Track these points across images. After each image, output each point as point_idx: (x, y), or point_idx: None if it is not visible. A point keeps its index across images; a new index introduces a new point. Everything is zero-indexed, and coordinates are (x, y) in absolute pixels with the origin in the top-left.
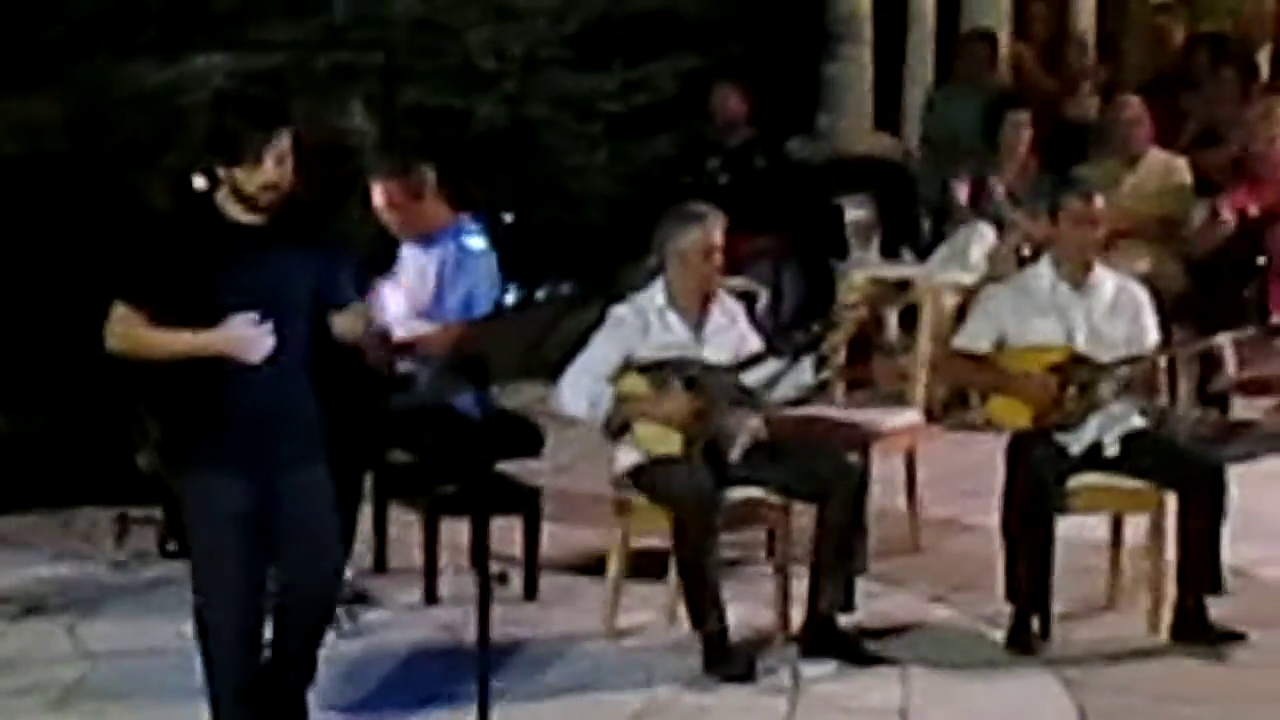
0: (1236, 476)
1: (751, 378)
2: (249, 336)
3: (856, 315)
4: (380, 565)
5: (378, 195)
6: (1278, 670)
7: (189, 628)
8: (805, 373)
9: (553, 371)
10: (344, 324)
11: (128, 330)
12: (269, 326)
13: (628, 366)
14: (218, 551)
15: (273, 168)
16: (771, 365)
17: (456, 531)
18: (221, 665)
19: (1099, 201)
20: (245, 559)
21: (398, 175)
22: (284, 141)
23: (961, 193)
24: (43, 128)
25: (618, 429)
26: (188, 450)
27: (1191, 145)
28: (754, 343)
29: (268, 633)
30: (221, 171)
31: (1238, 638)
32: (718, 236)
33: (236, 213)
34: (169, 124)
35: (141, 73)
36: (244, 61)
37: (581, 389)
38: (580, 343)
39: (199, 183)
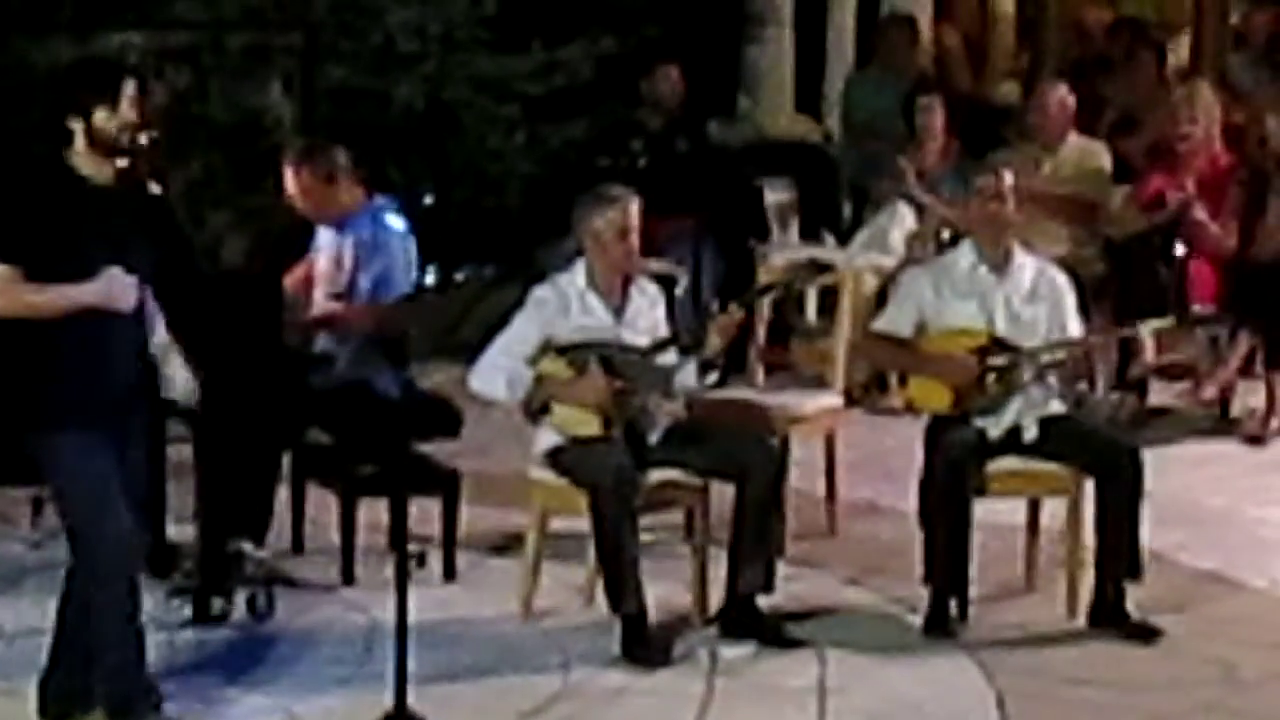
0: (1154, 461)
1: (666, 360)
2: (122, 288)
3: (730, 321)
4: (297, 546)
5: (289, 181)
6: (1191, 657)
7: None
8: (688, 373)
9: (471, 352)
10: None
11: (8, 291)
12: (132, 280)
13: (547, 348)
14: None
15: (130, 109)
16: (673, 355)
17: (374, 512)
18: (109, 600)
19: (1009, 178)
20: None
21: (308, 160)
22: (131, 88)
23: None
24: None
25: (537, 410)
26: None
27: (1111, 131)
28: (663, 328)
29: None
30: (74, 123)
31: (1153, 633)
32: (633, 217)
33: (90, 169)
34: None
35: (57, 50)
36: (158, 40)
37: (500, 370)
38: (499, 324)
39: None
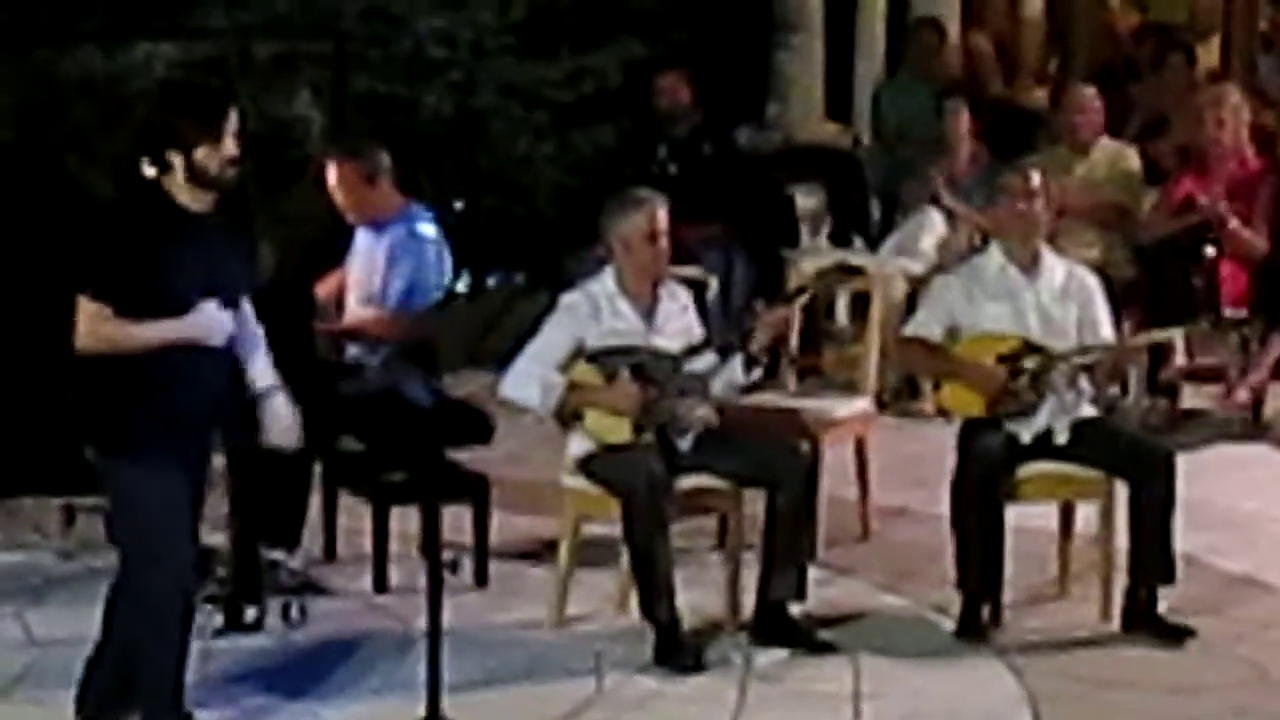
0: (1186, 465)
1: (696, 367)
2: (214, 322)
3: (784, 314)
4: (330, 554)
5: (331, 176)
6: (1224, 659)
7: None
8: (735, 370)
9: (502, 359)
10: (263, 374)
11: (99, 328)
12: (227, 313)
13: (578, 354)
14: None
15: (232, 144)
16: (712, 357)
17: (406, 519)
18: (156, 623)
19: (1036, 177)
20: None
21: (352, 157)
22: (234, 121)
23: (927, 179)
24: None
25: (569, 417)
26: (130, 427)
27: (1140, 134)
28: (699, 332)
29: None
30: (175, 156)
31: (1187, 633)
32: (662, 220)
33: (187, 199)
34: (114, 111)
35: (85, 61)
36: (187, 50)
37: (532, 377)
38: (530, 331)
39: (149, 171)
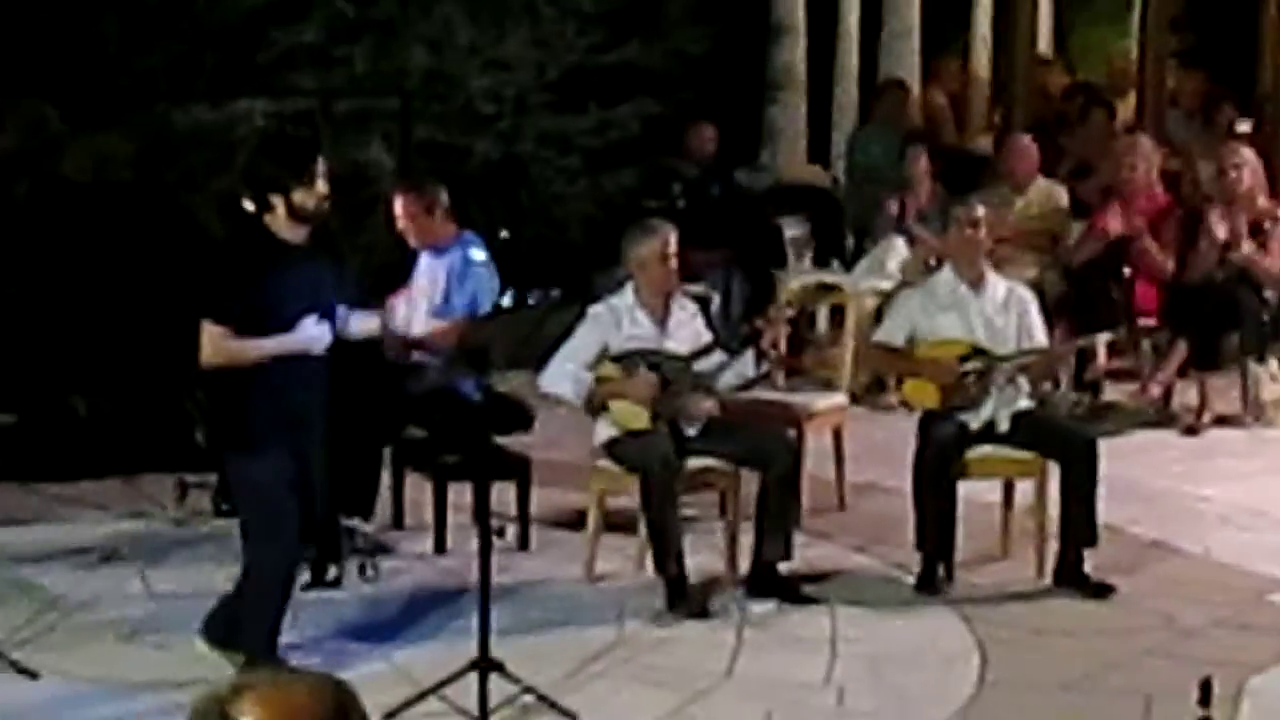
0: (1107, 449)
1: (704, 366)
2: (315, 334)
3: (782, 318)
4: (398, 522)
5: (398, 207)
6: (1138, 610)
7: (235, 574)
8: (748, 364)
9: (540, 361)
10: (360, 324)
11: (222, 346)
12: (324, 327)
13: (604, 355)
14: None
15: (324, 185)
16: (720, 356)
17: (461, 494)
18: (264, 586)
19: (981, 210)
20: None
21: (415, 190)
22: (322, 166)
23: (891, 211)
24: (112, 160)
25: (597, 408)
26: (245, 426)
27: (1069, 175)
28: (707, 336)
29: None
30: (276, 198)
31: (1108, 589)
32: (672, 245)
33: (287, 233)
34: (219, 157)
35: (196, 114)
36: (280, 105)
37: (566, 374)
38: (563, 337)
39: (249, 206)
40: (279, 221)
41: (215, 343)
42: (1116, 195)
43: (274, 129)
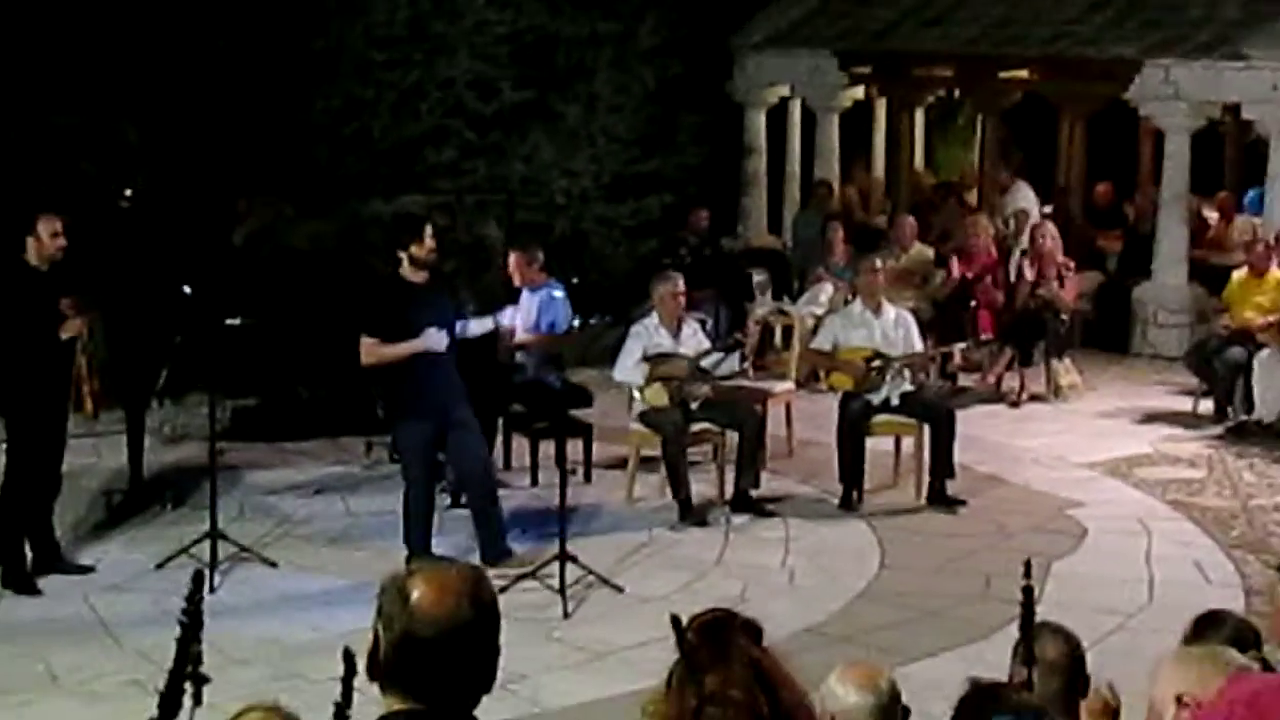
0: (961, 416)
1: (703, 364)
2: (436, 341)
3: (753, 333)
4: (506, 465)
5: (510, 260)
6: (979, 519)
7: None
8: (732, 363)
9: (601, 362)
10: (477, 326)
11: (374, 351)
12: (443, 335)
13: (644, 357)
14: (423, 456)
15: (431, 241)
16: (713, 357)
17: (547, 447)
18: (417, 508)
19: (879, 263)
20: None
21: (523, 250)
22: (429, 231)
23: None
24: (322, 236)
25: (641, 389)
26: (403, 406)
27: (935, 241)
28: (705, 345)
29: None
30: (403, 254)
31: (960, 503)
32: (680, 287)
33: (413, 277)
34: (391, 234)
35: (375, 206)
36: (429, 199)
37: (628, 369)
38: (616, 346)
39: (401, 257)
40: (408, 269)
41: (369, 349)
42: (965, 253)
43: (422, 213)
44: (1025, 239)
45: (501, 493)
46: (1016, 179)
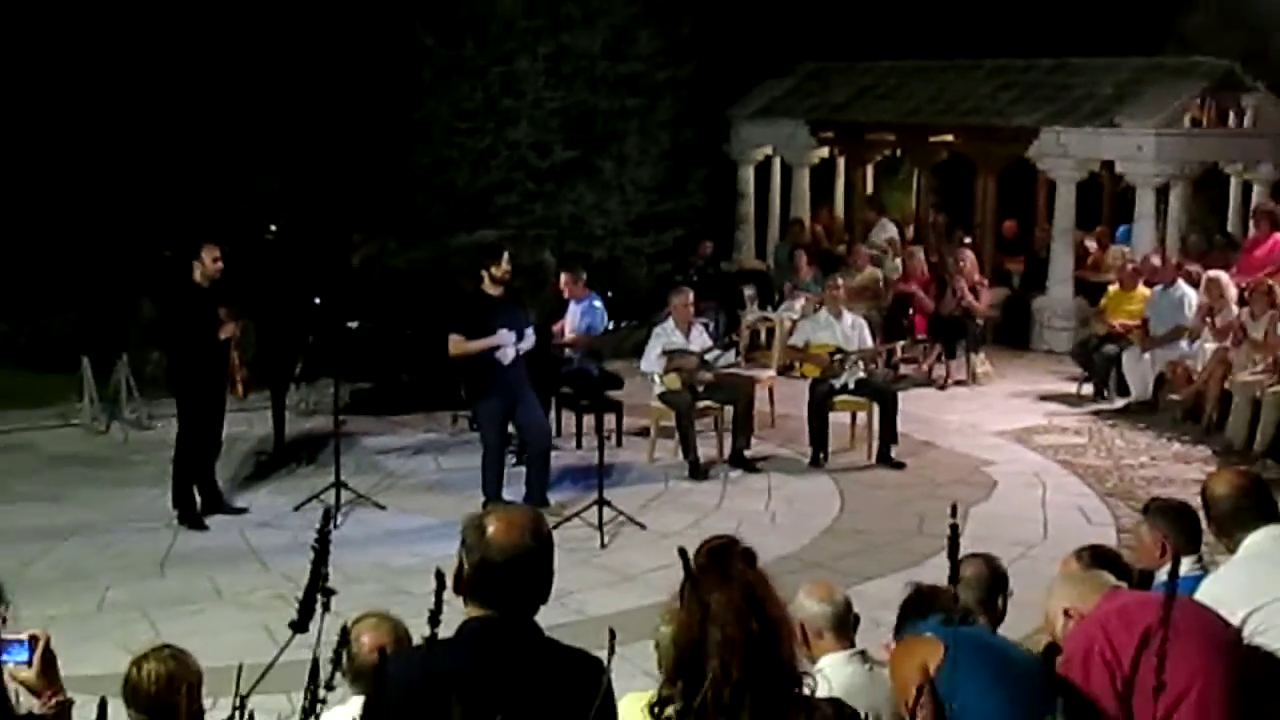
0: (902, 397)
1: (708, 357)
2: (506, 338)
3: (744, 334)
4: (558, 433)
5: (561, 279)
6: (916, 473)
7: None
8: (729, 356)
9: (630, 355)
10: (529, 340)
11: (459, 345)
12: (512, 335)
13: (663, 351)
14: (497, 426)
15: (507, 264)
16: (716, 352)
17: (589, 419)
18: (491, 465)
19: (839, 280)
20: (503, 426)
21: (571, 271)
22: (505, 257)
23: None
24: (420, 262)
25: (662, 376)
26: (482, 388)
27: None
28: (709, 343)
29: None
30: (484, 272)
31: (901, 464)
32: (690, 298)
33: (492, 291)
34: (472, 258)
35: (459, 239)
36: (501, 232)
37: (651, 362)
38: (642, 344)
39: (482, 277)
40: (488, 285)
41: (455, 344)
42: (905, 273)
43: (491, 241)
44: (897, 261)
45: (553, 454)
46: (881, 216)
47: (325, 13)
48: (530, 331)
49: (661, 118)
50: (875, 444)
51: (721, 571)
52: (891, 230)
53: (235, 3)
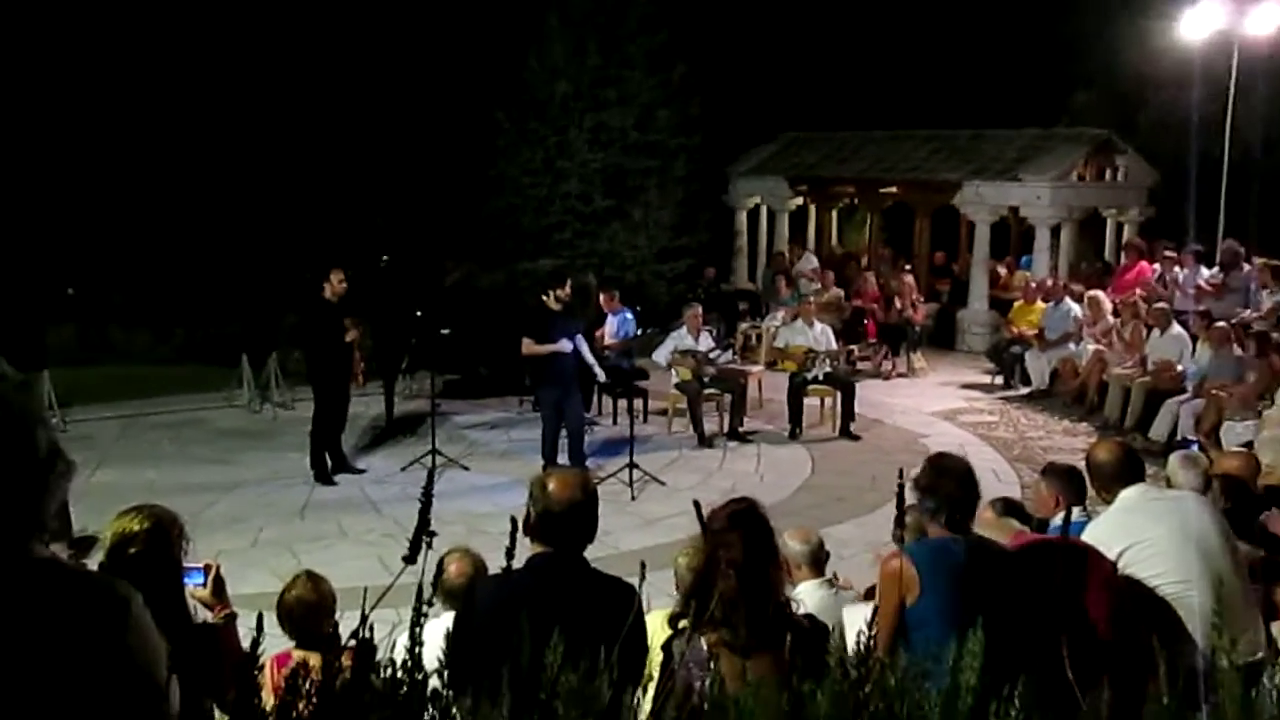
0: (859, 386)
1: (712, 355)
2: (566, 346)
3: (738, 338)
4: (599, 412)
5: (600, 297)
6: (869, 446)
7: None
8: (729, 355)
9: (650, 353)
10: (584, 348)
11: (529, 347)
12: (570, 343)
13: (676, 349)
14: (554, 408)
15: (568, 289)
16: (718, 351)
17: (622, 402)
18: (549, 437)
19: (813, 299)
20: (559, 409)
21: (608, 291)
22: (566, 282)
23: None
24: (496, 282)
25: (672, 366)
26: (544, 379)
27: (842, 285)
28: (712, 344)
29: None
30: (551, 293)
31: (858, 437)
32: (699, 311)
33: (553, 305)
34: (534, 282)
35: (526, 265)
36: (556, 261)
37: (664, 357)
38: (659, 344)
39: (545, 297)
40: (551, 301)
41: (527, 346)
42: (859, 293)
43: (552, 269)
44: (815, 284)
45: (592, 428)
46: (804, 250)
47: (427, 96)
48: (580, 337)
49: (677, 174)
50: (838, 421)
51: (733, 521)
52: (813, 261)
53: (359, 98)
